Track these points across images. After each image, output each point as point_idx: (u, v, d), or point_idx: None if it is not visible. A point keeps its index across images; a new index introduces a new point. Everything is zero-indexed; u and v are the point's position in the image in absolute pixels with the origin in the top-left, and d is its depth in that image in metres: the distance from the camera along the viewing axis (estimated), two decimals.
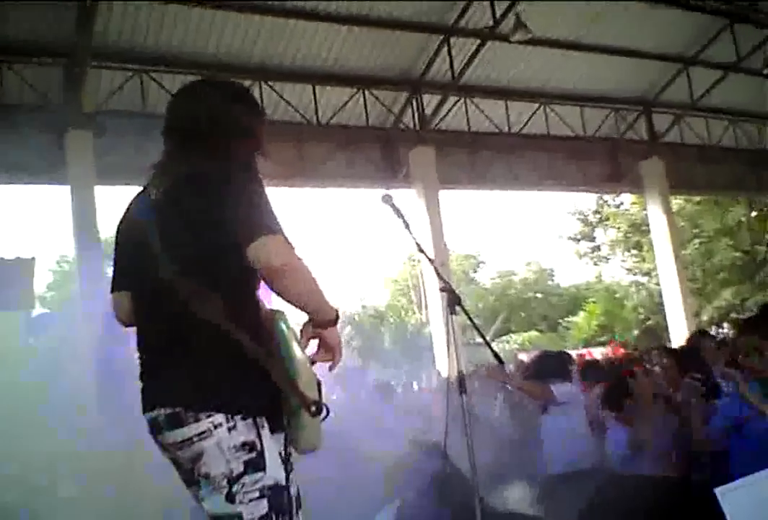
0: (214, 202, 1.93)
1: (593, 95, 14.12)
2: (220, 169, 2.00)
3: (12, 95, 9.59)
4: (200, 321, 1.93)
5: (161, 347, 2.03)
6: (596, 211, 29.00)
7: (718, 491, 2.05)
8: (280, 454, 2.02)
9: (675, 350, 5.48)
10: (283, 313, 2.12)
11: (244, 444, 1.94)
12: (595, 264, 30.78)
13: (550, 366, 4.88)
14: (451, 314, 2.95)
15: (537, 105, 13.70)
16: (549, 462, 4.56)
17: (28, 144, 9.12)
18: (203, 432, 1.93)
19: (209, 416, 1.93)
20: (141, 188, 2.18)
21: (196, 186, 1.99)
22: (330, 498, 3.34)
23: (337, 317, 2.08)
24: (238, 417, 1.95)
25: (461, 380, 2.89)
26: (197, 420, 1.93)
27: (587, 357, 9.93)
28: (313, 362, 2.07)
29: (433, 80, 12.41)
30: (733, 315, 23.35)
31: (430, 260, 2.99)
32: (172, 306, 1.96)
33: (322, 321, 2.05)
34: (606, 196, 27.75)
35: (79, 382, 6.78)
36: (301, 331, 2.09)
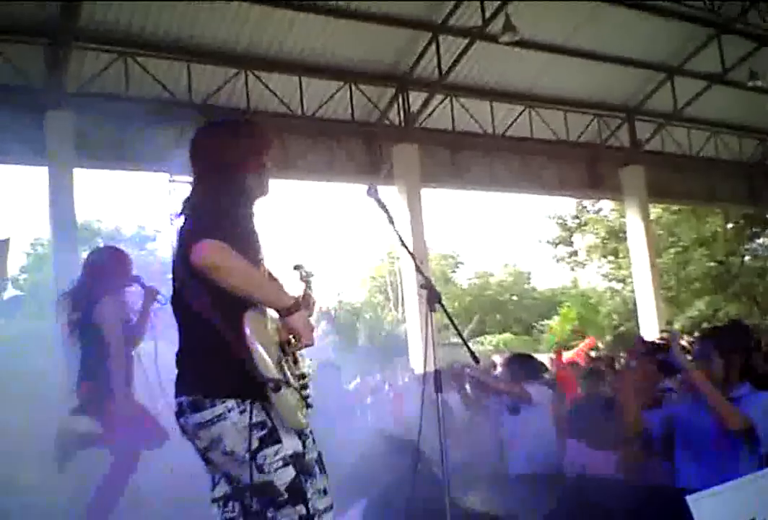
0: (185, 221, 2.43)
1: (578, 100, 14.18)
2: (196, 192, 2.51)
3: None
4: (208, 322, 2.29)
5: (183, 345, 2.43)
6: (575, 217, 29.18)
7: (690, 498, 2.04)
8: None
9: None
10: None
11: (256, 424, 2.28)
12: (572, 269, 30.99)
13: (524, 367, 4.89)
14: (431, 311, 2.93)
15: (522, 107, 13.73)
16: (518, 462, 4.55)
17: (7, 123, 8.96)
18: (220, 415, 2.28)
19: (223, 402, 2.29)
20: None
21: (184, 206, 2.49)
22: None
23: (295, 304, 2.40)
24: (248, 401, 2.29)
25: (437, 378, 2.86)
26: (213, 405, 2.29)
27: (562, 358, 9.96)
28: (288, 346, 2.46)
29: (420, 77, 12.39)
30: (706, 325, 23.61)
31: (411, 255, 2.96)
32: (185, 306, 2.38)
33: (280, 310, 2.39)
34: (585, 202, 27.95)
35: (49, 367, 6.69)
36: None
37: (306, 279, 2.74)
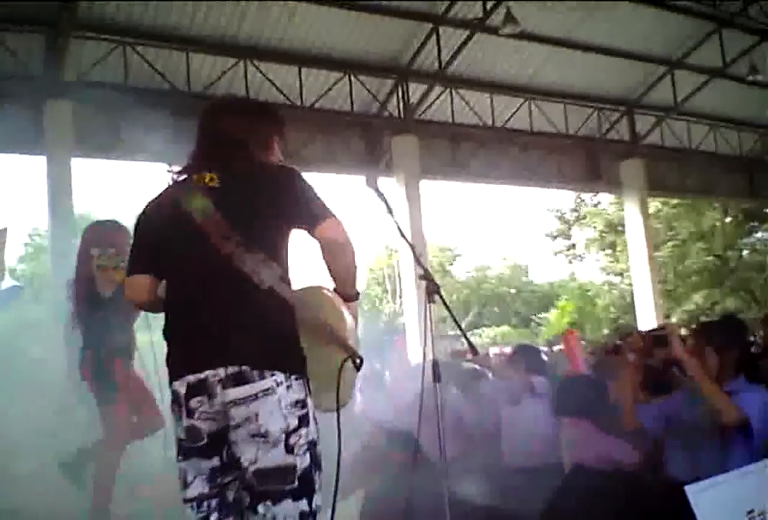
0: (279, 193, 2.26)
1: (578, 93, 14.15)
2: (270, 167, 2.39)
3: None
4: (263, 288, 2.17)
5: (222, 313, 2.19)
6: (574, 210, 29.19)
7: (689, 489, 2.04)
8: (313, 413, 2.23)
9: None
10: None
11: (297, 401, 2.17)
12: (570, 262, 31.01)
13: (528, 358, 4.90)
14: (430, 302, 2.93)
15: (522, 100, 13.70)
16: (517, 455, 4.56)
17: (6, 112, 8.93)
18: (267, 389, 2.12)
19: (273, 375, 2.13)
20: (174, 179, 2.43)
21: (255, 179, 2.31)
22: None
23: (358, 294, 2.44)
24: (293, 377, 2.17)
25: (435, 368, 2.86)
26: (262, 378, 2.12)
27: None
28: None
29: (420, 69, 12.35)
30: (703, 319, 23.67)
31: (411, 246, 2.95)
32: (234, 277, 2.18)
33: (347, 294, 2.39)
34: (584, 195, 27.95)
35: (47, 355, 6.69)
36: None
37: None
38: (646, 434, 3.51)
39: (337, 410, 2.27)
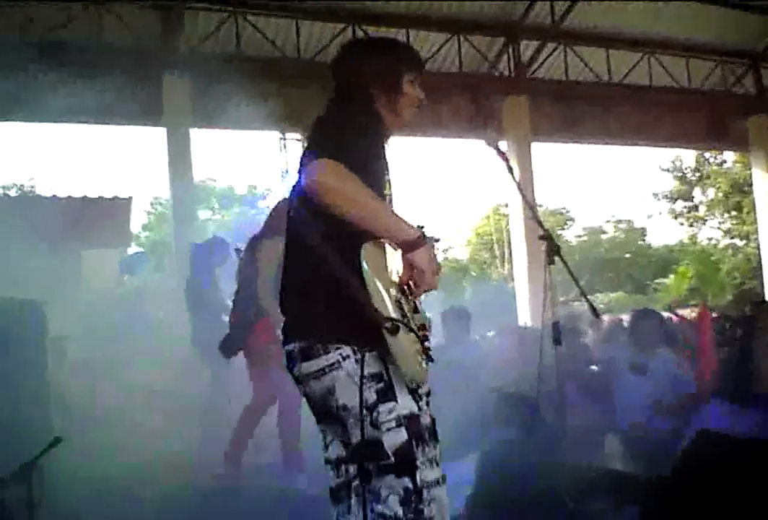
0: (313, 141, 2.14)
1: (700, 45, 13.30)
2: (328, 110, 2.23)
3: (110, 36, 9.71)
4: (322, 259, 2.03)
5: (292, 286, 2.19)
6: (696, 170, 27.77)
7: None
8: (406, 385, 2.09)
9: None
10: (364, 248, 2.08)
11: (372, 375, 2.06)
12: (691, 225, 29.63)
13: (654, 329, 4.76)
14: (549, 263, 2.87)
15: (640, 54, 13.03)
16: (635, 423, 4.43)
17: (125, 85, 9.29)
18: (333, 363, 2.07)
19: (338, 349, 2.07)
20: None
21: (312, 128, 2.18)
22: None
23: (421, 237, 2.05)
24: (364, 349, 2.05)
25: (556, 330, 2.80)
26: (327, 352, 2.07)
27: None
28: (408, 289, 2.11)
29: (531, 25, 11.93)
30: None
31: (531, 206, 2.88)
32: (297, 247, 2.14)
33: (401, 243, 2.05)
34: (707, 154, 26.53)
35: (171, 319, 7.04)
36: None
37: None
38: None
39: (407, 382, 2.08)
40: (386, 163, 2.25)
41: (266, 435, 5.01)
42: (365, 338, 2.03)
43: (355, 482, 2.15)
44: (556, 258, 2.85)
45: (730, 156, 25.37)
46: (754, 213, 16.35)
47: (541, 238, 2.78)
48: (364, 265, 1.99)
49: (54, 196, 9.40)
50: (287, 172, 11.51)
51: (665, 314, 10.13)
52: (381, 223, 2.03)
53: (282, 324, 2.22)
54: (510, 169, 2.67)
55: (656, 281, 30.77)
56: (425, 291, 2.15)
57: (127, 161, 54.24)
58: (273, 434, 4.84)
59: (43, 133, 72.11)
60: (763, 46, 13.62)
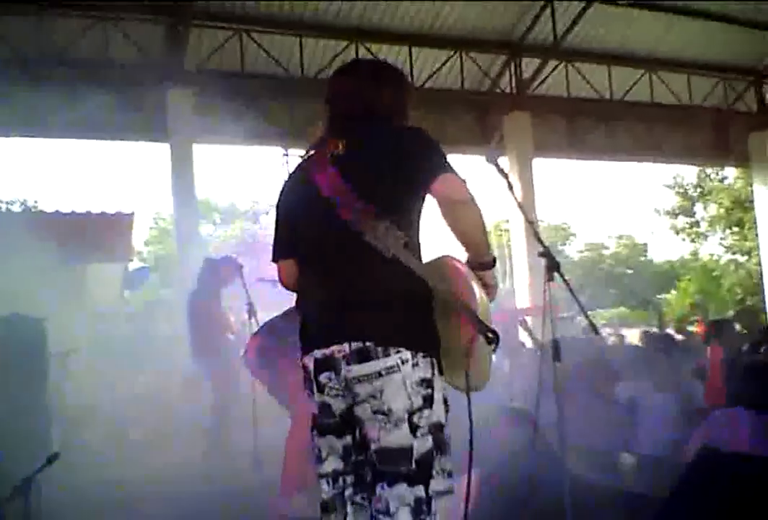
0: (401, 152, 2.14)
1: (701, 63, 13.38)
2: (394, 129, 2.28)
3: (115, 52, 9.79)
4: (387, 258, 2.04)
5: (346, 286, 2.13)
6: (697, 185, 27.80)
7: None
8: (443, 394, 2.13)
9: None
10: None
11: (423, 380, 2.07)
12: (693, 240, 29.61)
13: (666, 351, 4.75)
14: (549, 280, 2.88)
15: (642, 71, 13.10)
16: (645, 441, 4.41)
17: (130, 101, 9.37)
18: (392, 366, 2.04)
19: (398, 352, 2.05)
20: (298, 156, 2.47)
21: (380, 141, 2.19)
22: None
23: (494, 260, 2.22)
24: (420, 354, 2.07)
25: (556, 347, 2.80)
26: (387, 355, 2.04)
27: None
28: None
29: (533, 43, 12.01)
30: None
31: (531, 222, 2.89)
32: (357, 247, 2.07)
33: (481, 262, 2.19)
34: (709, 170, 26.57)
35: (176, 332, 7.03)
36: None
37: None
38: None
39: (467, 390, 2.09)
40: None
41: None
42: (427, 344, 2.09)
43: (348, 491, 2.16)
44: (556, 275, 2.86)
45: (731, 172, 25.43)
46: (756, 229, 16.35)
47: (541, 255, 2.79)
48: (463, 269, 2.13)
49: (57, 211, 9.44)
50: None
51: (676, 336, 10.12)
52: (480, 236, 2.16)
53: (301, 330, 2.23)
54: (510, 186, 2.67)
55: (658, 296, 30.73)
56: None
57: (131, 176, 54.51)
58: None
59: (47, 149, 72.53)
60: (765, 64, 13.69)
